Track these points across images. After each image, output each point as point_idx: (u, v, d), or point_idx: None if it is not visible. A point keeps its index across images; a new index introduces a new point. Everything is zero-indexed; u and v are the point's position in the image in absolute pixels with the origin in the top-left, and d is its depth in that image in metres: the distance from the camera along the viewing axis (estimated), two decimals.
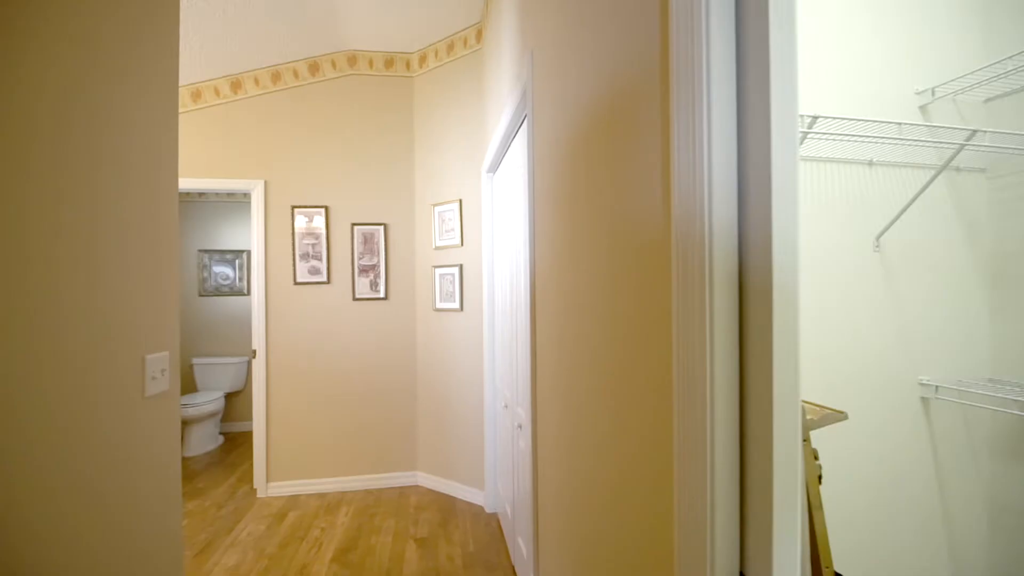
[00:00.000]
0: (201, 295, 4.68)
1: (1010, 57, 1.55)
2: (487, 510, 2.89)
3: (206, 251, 4.69)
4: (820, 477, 0.96)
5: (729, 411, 0.61)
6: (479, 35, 2.97)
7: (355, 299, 3.24)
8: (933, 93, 1.69)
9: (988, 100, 1.78)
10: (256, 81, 3.21)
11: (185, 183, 3.12)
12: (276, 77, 3.22)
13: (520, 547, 2.09)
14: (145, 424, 1.14)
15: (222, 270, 4.72)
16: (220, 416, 4.39)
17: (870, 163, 1.66)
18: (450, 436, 3.14)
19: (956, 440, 1.76)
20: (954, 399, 1.70)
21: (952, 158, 1.42)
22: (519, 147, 2.05)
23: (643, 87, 0.82)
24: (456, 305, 3.06)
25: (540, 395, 1.59)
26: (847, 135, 1.34)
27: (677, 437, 0.66)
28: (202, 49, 2.91)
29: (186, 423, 3.97)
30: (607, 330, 0.99)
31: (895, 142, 1.43)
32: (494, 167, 2.72)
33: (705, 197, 0.60)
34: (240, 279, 4.75)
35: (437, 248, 3.17)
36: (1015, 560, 1.72)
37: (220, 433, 4.53)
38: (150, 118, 1.17)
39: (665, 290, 0.75)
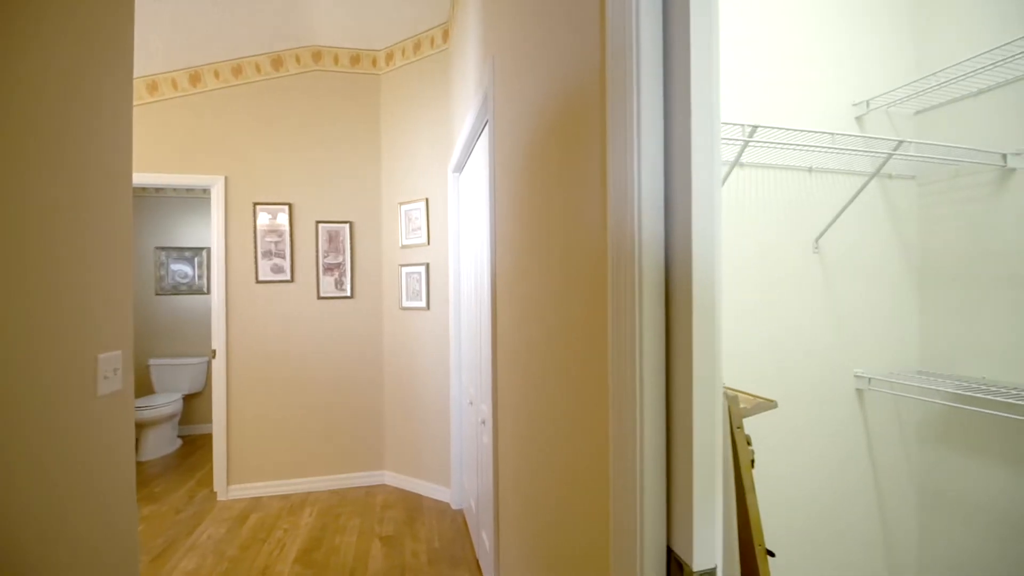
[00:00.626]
0: (158, 294, 4.52)
1: (934, 73, 1.68)
2: (453, 507, 2.92)
3: (163, 248, 4.54)
4: (753, 462, 1.04)
5: (656, 401, 0.66)
6: (446, 35, 2.99)
7: (320, 297, 3.21)
8: (868, 105, 1.82)
9: (918, 112, 1.92)
10: (216, 74, 3.14)
11: (141, 178, 3.02)
12: (237, 71, 3.16)
13: (484, 540, 2.13)
14: (97, 424, 1.12)
15: (180, 268, 4.57)
16: (178, 419, 4.27)
17: (810, 170, 1.77)
18: (417, 434, 3.16)
19: (888, 428, 1.89)
20: (886, 390, 1.83)
21: (881, 166, 1.53)
22: (482, 150, 2.08)
23: (588, 100, 0.87)
24: (423, 304, 3.07)
25: (500, 391, 1.63)
26: (784, 143, 1.43)
27: (612, 426, 0.72)
28: (159, 40, 2.82)
29: (142, 426, 3.84)
30: (559, 331, 1.04)
31: (830, 150, 1.53)
32: (460, 167, 2.75)
33: (635, 207, 0.66)
34: (199, 277, 4.61)
35: (404, 247, 3.18)
36: (943, 541, 1.86)
37: (179, 436, 4.40)
38: (102, 110, 1.15)
39: (606, 294, 0.80)
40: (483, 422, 2.10)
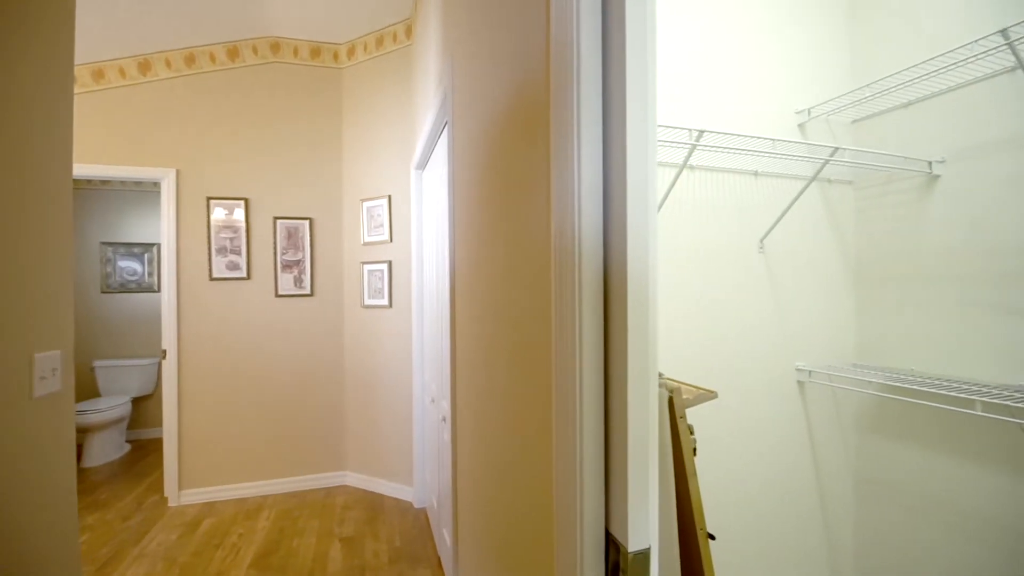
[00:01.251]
0: (104, 292, 4.30)
1: (868, 85, 1.79)
2: (416, 505, 2.91)
3: (110, 244, 4.32)
4: (695, 450, 1.09)
5: (595, 394, 0.69)
6: (409, 31, 2.97)
7: (278, 295, 3.13)
8: (809, 113, 1.93)
9: (854, 121, 2.05)
10: (168, 63, 3.01)
11: (85, 170, 2.87)
12: (190, 60, 3.04)
13: (444, 538, 2.14)
14: (33, 427, 1.07)
15: (129, 265, 4.37)
16: (126, 423, 4.08)
17: (755, 174, 1.86)
18: (379, 434, 3.13)
19: (827, 417, 2.01)
20: (825, 382, 1.95)
21: (819, 171, 1.63)
22: (443, 148, 2.09)
23: (537, 104, 0.89)
24: (385, 301, 3.04)
25: (459, 388, 1.65)
26: (730, 148, 1.50)
27: (555, 418, 0.75)
28: (105, 24, 2.69)
29: (87, 431, 3.65)
30: (510, 329, 1.06)
31: (774, 155, 1.62)
32: (423, 164, 2.74)
33: (575, 208, 0.69)
34: (149, 274, 4.42)
35: (366, 244, 3.14)
36: (877, 522, 1.99)
37: (127, 441, 4.20)
38: (40, 96, 1.10)
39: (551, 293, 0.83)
40: (444, 419, 2.11)
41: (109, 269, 4.32)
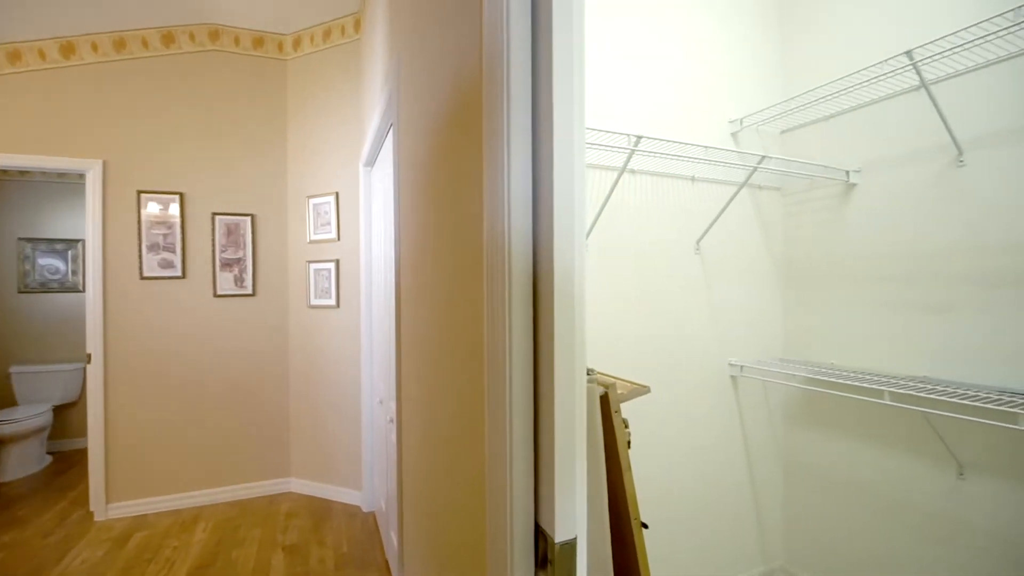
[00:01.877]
0: (23, 291, 3.97)
1: (793, 98, 1.91)
2: (364, 509, 2.86)
3: (29, 240, 3.99)
4: (629, 443, 1.14)
5: (524, 390, 0.71)
6: (357, 25, 2.91)
7: (217, 295, 2.99)
8: (741, 123, 2.04)
9: (783, 132, 2.19)
10: (94, 47, 2.81)
11: None
12: (120, 44, 2.86)
13: (392, 540, 2.12)
14: None
15: (50, 262, 4.04)
16: (47, 433, 3.77)
17: (692, 179, 1.95)
18: (326, 437, 3.05)
19: (758, 409, 2.14)
20: (756, 376, 2.07)
21: (748, 177, 1.73)
22: (390, 146, 2.07)
23: (473, 107, 0.91)
24: (332, 301, 2.97)
25: (404, 388, 1.64)
26: (667, 153, 1.58)
27: (487, 414, 0.76)
28: (21, 1, 2.48)
29: (2, 443, 3.35)
30: (450, 329, 1.07)
31: (708, 162, 1.71)
32: (371, 161, 2.69)
33: (505, 211, 0.70)
34: (73, 273, 4.11)
35: (312, 242, 3.05)
36: (803, 504, 2.13)
37: (48, 452, 3.89)
38: None
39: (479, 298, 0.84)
40: (391, 420, 2.09)
41: (28, 267, 3.98)
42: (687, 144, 1.54)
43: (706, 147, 1.61)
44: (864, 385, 1.62)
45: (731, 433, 2.07)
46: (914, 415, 1.68)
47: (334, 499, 3.02)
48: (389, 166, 2.16)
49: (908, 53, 1.48)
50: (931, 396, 1.44)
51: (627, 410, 1.39)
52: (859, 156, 1.89)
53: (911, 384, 1.59)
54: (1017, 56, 1.46)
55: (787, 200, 2.18)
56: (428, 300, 1.28)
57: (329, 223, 2.98)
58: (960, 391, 1.46)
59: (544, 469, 0.71)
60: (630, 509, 1.14)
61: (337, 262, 2.96)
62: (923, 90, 1.56)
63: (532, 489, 0.73)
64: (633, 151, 1.45)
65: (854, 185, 1.91)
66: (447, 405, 1.11)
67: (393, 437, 2.05)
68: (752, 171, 1.70)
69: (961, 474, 1.60)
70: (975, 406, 1.32)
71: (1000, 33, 1.35)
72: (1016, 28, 1.32)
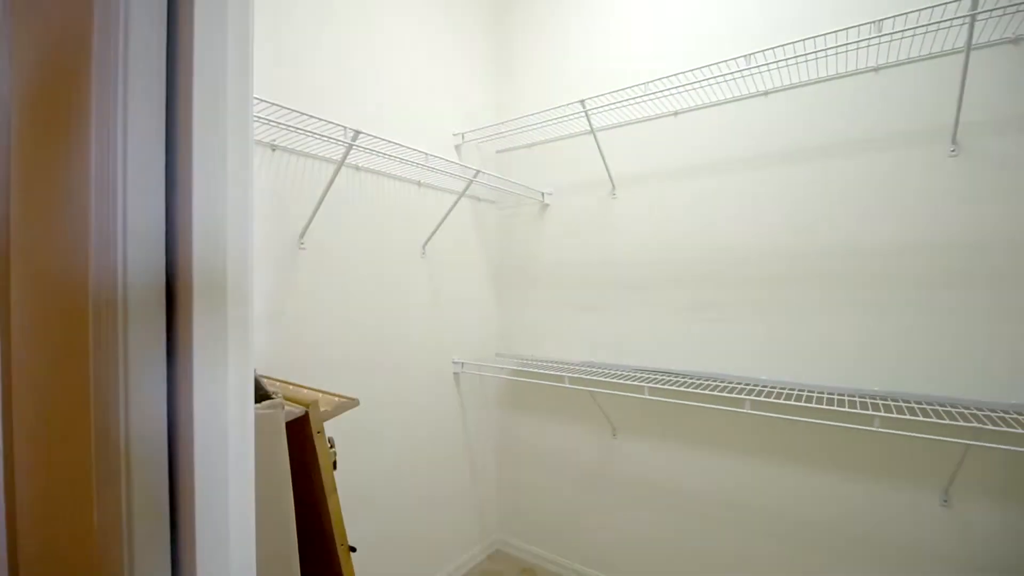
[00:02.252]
0: None
1: (503, 123, 2.15)
2: None
3: None
4: (335, 463, 1.05)
5: (154, 421, 0.55)
6: None
7: None
8: (463, 137, 2.19)
9: (498, 151, 2.45)
10: None
11: None
12: None
13: None
14: None
15: None
16: None
17: (419, 184, 1.99)
18: None
19: (477, 400, 2.34)
20: (475, 372, 2.25)
21: (466, 189, 1.87)
22: None
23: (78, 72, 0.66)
24: None
25: None
26: (384, 153, 1.55)
27: (95, 460, 0.56)
28: None
29: None
30: (45, 355, 0.78)
31: (432, 169, 1.76)
32: None
33: (119, 203, 0.52)
34: None
35: None
36: (514, 480, 2.42)
37: None
38: None
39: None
40: None
41: None
42: (408, 148, 1.54)
43: (427, 154, 1.65)
44: (552, 372, 1.93)
45: (455, 425, 2.20)
46: (586, 393, 2.09)
47: None
48: None
49: (582, 102, 1.82)
50: (594, 378, 1.82)
51: (353, 414, 1.29)
52: (551, 181, 2.26)
53: (582, 368, 1.99)
54: (654, 119, 1.96)
55: (500, 212, 2.45)
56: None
57: None
58: (613, 372, 1.89)
59: (184, 523, 0.56)
60: (336, 534, 1.06)
61: None
62: (592, 135, 1.95)
63: (168, 541, 0.57)
64: (351, 146, 1.36)
65: (548, 205, 2.28)
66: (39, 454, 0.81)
67: None
68: (469, 183, 1.83)
69: (614, 435, 2.08)
70: (621, 383, 1.73)
71: (639, 98, 1.79)
72: (648, 97, 1.77)
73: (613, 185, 2.06)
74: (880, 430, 1.27)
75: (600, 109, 1.86)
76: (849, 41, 1.37)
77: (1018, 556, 1.34)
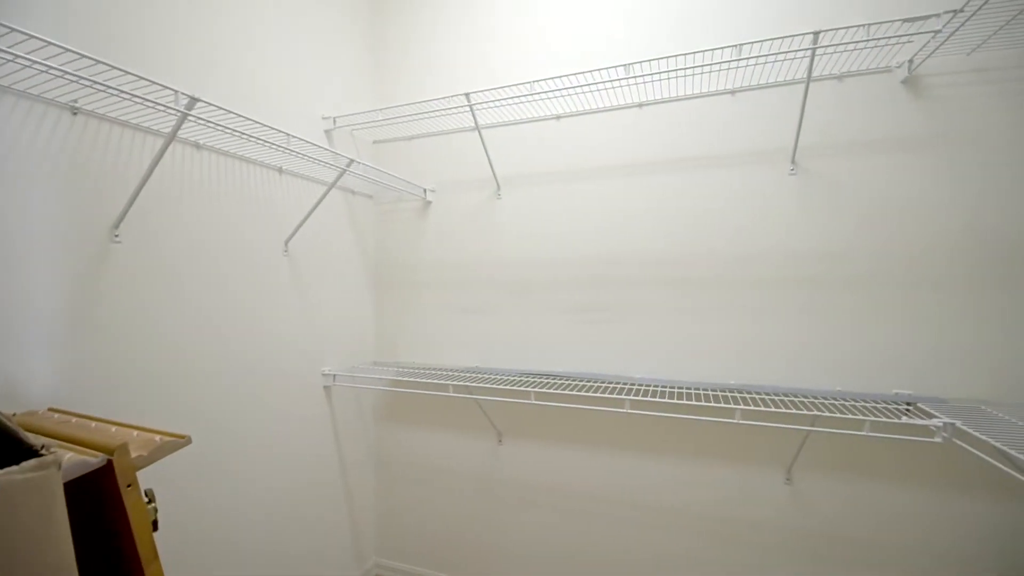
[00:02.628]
0: None
1: (381, 110, 1.95)
2: None
3: None
4: (156, 523, 0.81)
5: None
6: None
7: None
8: (335, 122, 1.96)
9: (376, 142, 2.25)
10: None
11: None
12: None
13: None
14: None
15: None
16: None
17: (280, 170, 1.72)
18: None
19: (351, 413, 2.11)
20: (349, 383, 2.03)
21: (337, 179, 1.65)
22: None
23: None
24: None
25: None
26: (231, 128, 1.28)
27: None
28: None
29: None
30: None
31: (294, 154, 1.52)
32: None
33: None
34: None
35: None
36: (393, 496, 2.24)
37: None
38: None
39: None
40: None
41: None
42: (263, 125, 1.29)
43: (289, 135, 1.41)
44: (435, 381, 1.81)
45: (325, 442, 1.96)
46: (471, 400, 2.00)
47: None
48: None
49: (467, 95, 1.72)
50: (479, 384, 1.74)
51: (190, 450, 1.00)
52: (435, 177, 2.13)
53: (467, 375, 1.89)
54: (538, 121, 1.94)
55: (378, 208, 2.25)
56: None
57: None
58: (499, 377, 1.83)
59: None
60: None
61: None
62: (477, 132, 1.87)
63: None
64: (185, 115, 1.09)
65: (430, 202, 2.14)
66: None
67: None
68: (342, 172, 1.62)
69: (500, 441, 2.02)
70: (508, 389, 1.67)
71: (524, 97, 1.74)
72: (533, 97, 1.73)
73: (498, 185, 2.00)
74: (741, 422, 1.38)
75: (485, 105, 1.79)
76: (713, 62, 1.47)
77: (844, 521, 1.56)
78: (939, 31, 1.25)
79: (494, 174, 1.97)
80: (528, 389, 1.63)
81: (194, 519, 1.41)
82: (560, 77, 1.61)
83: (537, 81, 1.64)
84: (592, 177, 1.86)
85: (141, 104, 1.08)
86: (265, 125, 1.32)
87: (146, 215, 1.28)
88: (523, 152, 1.97)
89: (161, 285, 1.32)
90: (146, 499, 0.79)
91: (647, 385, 1.67)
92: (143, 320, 1.28)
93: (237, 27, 1.56)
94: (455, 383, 1.76)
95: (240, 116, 1.24)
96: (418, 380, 1.89)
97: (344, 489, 2.07)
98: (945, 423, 1.19)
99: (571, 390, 1.63)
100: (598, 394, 1.59)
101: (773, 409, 1.38)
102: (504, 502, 2.02)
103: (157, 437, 0.84)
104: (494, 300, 2.02)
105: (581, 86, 1.63)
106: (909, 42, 1.35)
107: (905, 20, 1.25)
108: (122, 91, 1.02)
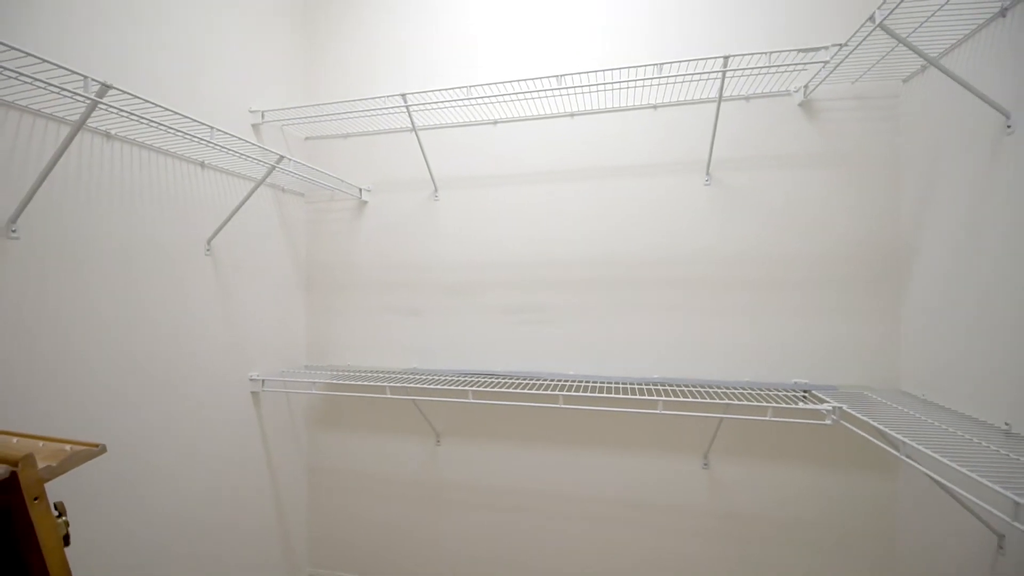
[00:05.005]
0: None
1: (315, 105, 1.90)
2: None
3: None
4: (67, 537, 0.76)
5: None
6: None
7: None
8: (263, 116, 1.88)
9: (307, 138, 2.18)
10: None
11: None
12: None
13: None
14: None
15: None
16: None
17: (202, 164, 1.63)
18: None
19: (281, 420, 2.03)
20: (279, 388, 1.95)
21: (266, 176, 1.59)
22: None
23: None
24: None
25: None
26: (148, 119, 1.21)
27: None
28: None
29: None
30: None
31: (219, 147, 1.44)
32: None
33: None
34: None
35: None
36: (328, 507, 2.17)
37: None
38: None
39: None
40: None
41: None
42: (182, 115, 1.22)
43: (212, 127, 1.35)
44: (372, 383, 1.78)
45: (252, 450, 1.87)
46: (408, 402, 2.00)
47: None
48: None
49: (403, 96, 1.73)
50: (417, 385, 1.74)
51: (105, 462, 0.93)
52: (371, 176, 2.10)
53: (405, 376, 1.89)
54: (475, 125, 1.97)
55: (310, 207, 2.19)
56: None
57: None
58: (437, 377, 1.84)
59: None
60: None
61: None
62: (414, 133, 1.87)
63: None
64: (96, 102, 1.02)
65: (366, 202, 2.11)
66: None
67: None
68: (271, 169, 1.56)
69: (439, 442, 2.03)
70: (446, 389, 1.69)
71: (463, 100, 1.77)
72: (470, 102, 1.77)
73: (435, 186, 2.01)
74: (663, 412, 1.50)
75: (422, 107, 1.80)
76: (636, 78, 1.58)
77: (752, 500, 1.73)
78: (827, 61, 1.43)
79: (431, 175, 1.98)
80: (466, 388, 1.66)
81: (111, 533, 1.31)
82: (495, 84, 1.66)
83: (474, 86, 1.67)
84: (527, 182, 1.93)
85: (44, 89, 1.00)
86: (187, 117, 1.25)
87: (48, 209, 1.18)
88: (461, 155, 1.99)
89: (66, 284, 1.22)
90: (56, 513, 0.73)
91: (579, 381, 1.76)
92: (45, 322, 1.17)
93: (158, 9, 1.46)
94: (392, 384, 1.76)
95: (158, 106, 1.17)
96: (353, 383, 1.86)
97: (274, 498, 1.98)
98: (834, 407, 1.37)
99: (508, 388, 1.68)
100: (534, 391, 1.65)
101: (691, 399, 1.51)
102: (443, 504, 2.03)
103: (67, 447, 0.79)
104: (431, 302, 2.03)
105: (516, 93, 1.69)
106: (803, 70, 1.53)
107: (800, 50, 1.42)
108: (22, 74, 0.94)
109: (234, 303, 1.77)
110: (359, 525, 2.13)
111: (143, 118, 1.19)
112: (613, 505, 1.85)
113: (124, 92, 1.06)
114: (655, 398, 1.52)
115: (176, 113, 1.22)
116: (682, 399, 1.51)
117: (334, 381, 1.91)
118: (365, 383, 1.81)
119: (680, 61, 1.50)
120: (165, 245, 1.49)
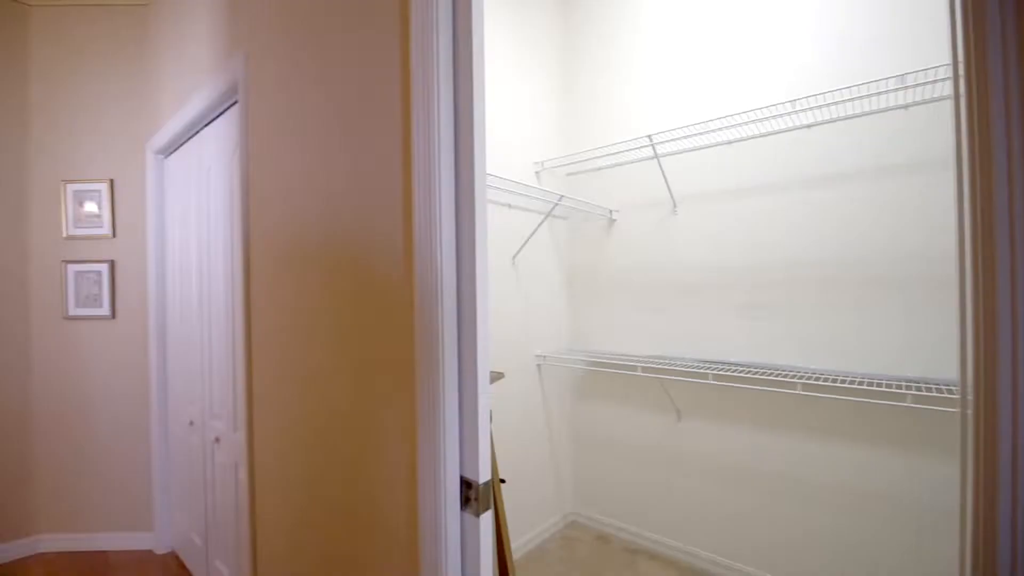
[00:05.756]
0: None
1: (575, 153, 2.53)
2: (160, 551, 2.46)
3: None
4: (491, 415, 1.46)
5: (452, 375, 0.95)
6: None
7: None
8: (543, 165, 2.59)
9: (569, 174, 2.84)
10: None
11: None
12: None
13: (220, 570, 1.96)
14: None
15: None
16: None
17: (509, 206, 2.40)
18: (95, 477, 2.50)
19: (555, 388, 2.72)
20: (553, 363, 2.63)
21: (551, 210, 2.26)
22: (213, 138, 1.93)
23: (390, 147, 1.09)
24: (105, 311, 2.47)
25: (258, 402, 1.61)
26: (495, 187, 1.96)
27: (420, 392, 0.97)
28: None
29: None
30: (351, 335, 1.20)
31: (517, 194, 2.16)
32: (169, 149, 2.37)
33: (438, 248, 0.93)
34: None
35: (70, 238, 2.47)
36: (588, 459, 2.79)
37: None
38: None
39: (403, 308, 1.04)
40: (217, 440, 1.94)
41: None
42: (517, 182, 1.94)
43: (518, 183, 2.05)
44: (625, 363, 2.29)
45: (537, 408, 2.59)
46: (654, 381, 2.44)
47: (111, 548, 2.49)
48: (197, 158, 2.01)
49: (649, 136, 2.19)
50: (665, 367, 2.17)
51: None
52: (618, 200, 2.63)
53: (654, 360, 2.34)
54: (712, 147, 2.31)
55: (571, 227, 2.83)
56: (306, 311, 1.35)
57: (99, 216, 2.47)
58: (679, 363, 2.23)
59: (467, 433, 0.96)
60: (493, 469, 1.46)
61: (112, 263, 2.47)
62: (656, 161, 2.31)
63: (458, 447, 0.97)
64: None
65: (614, 220, 2.64)
66: (343, 409, 1.23)
67: (221, 457, 1.91)
68: (554, 205, 2.22)
69: (679, 419, 2.42)
70: (689, 370, 2.07)
71: (701, 131, 2.14)
72: (710, 131, 2.12)
73: (674, 203, 2.41)
74: (912, 406, 1.57)
75: (664, 142, 2.22)
76: (871, 92, 1.68)
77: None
78: None
79: (671, 194, 2.39)
80: (707, 371, 2.01)
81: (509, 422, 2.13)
82: (729, 116, 1.97)
83: (711, 120, 2.02)
84: (758, 193, 2.15)
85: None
86: (517, 182, 1.96)
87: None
88: (697, 174, 2.34)
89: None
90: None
91: (808, 373, 1.91)
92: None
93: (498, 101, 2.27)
94: (643, 364, 2.23)
95: (510, 180, 1.89)
96: (609, 362, 2.39)
97: (550, 447, 2.68)
98: None
99: (743, 374, 1.96)
100: (770, 377, 1.90)
101: (942, 395, 1.55)
102: (679, 471, 2.40)
103: (493, 373, 1.50)
104: (671, 300, 2.43)
105: (751, 121, 1.96)
106: None
107: None
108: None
109: (527, 299, 2.51)
110: (612, 478, 2.67)
111: (499, 188, 1.93)
112: (847, 495, 1.92)
113: (495, 176, 1.79)
114: (904, 391, 1.60)
115: (516, 182, 1.94)
116: (927, 393, 1.56)
117: (594, 360, 2.49)
118: (620, 363, 2.33)
119: (912, 72, 1.57)
120: (491, 263, 2.29)
